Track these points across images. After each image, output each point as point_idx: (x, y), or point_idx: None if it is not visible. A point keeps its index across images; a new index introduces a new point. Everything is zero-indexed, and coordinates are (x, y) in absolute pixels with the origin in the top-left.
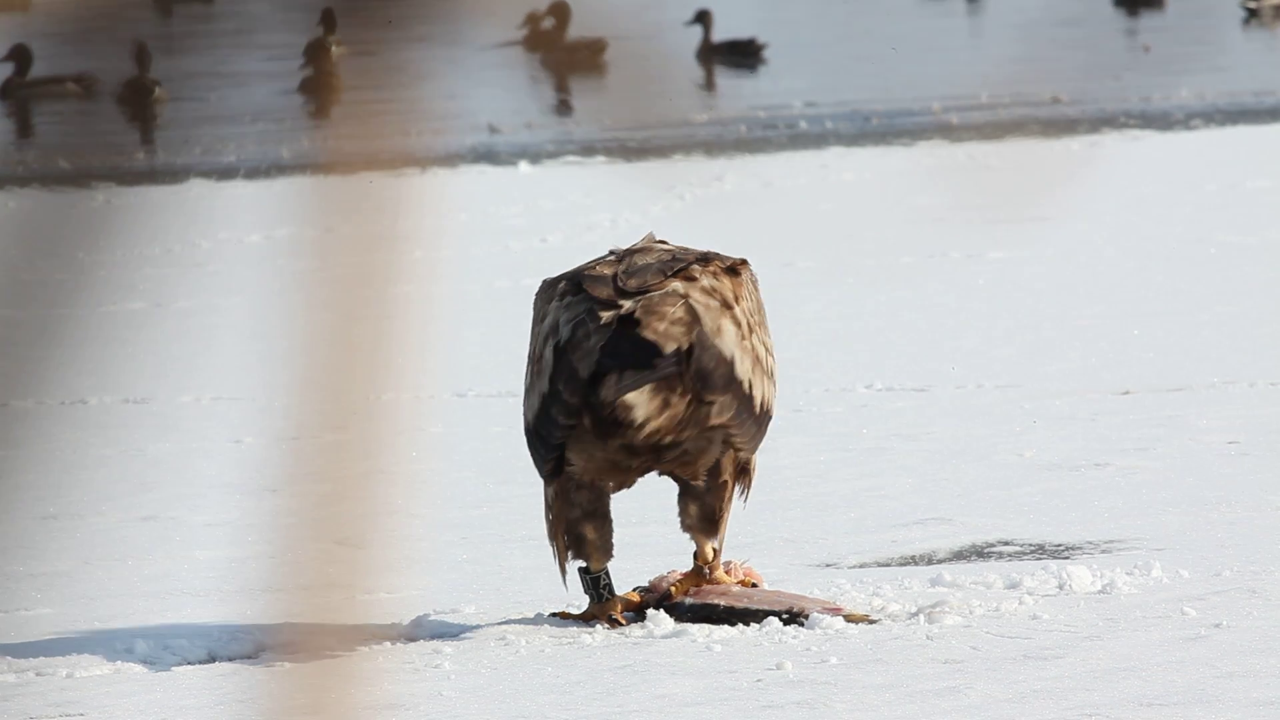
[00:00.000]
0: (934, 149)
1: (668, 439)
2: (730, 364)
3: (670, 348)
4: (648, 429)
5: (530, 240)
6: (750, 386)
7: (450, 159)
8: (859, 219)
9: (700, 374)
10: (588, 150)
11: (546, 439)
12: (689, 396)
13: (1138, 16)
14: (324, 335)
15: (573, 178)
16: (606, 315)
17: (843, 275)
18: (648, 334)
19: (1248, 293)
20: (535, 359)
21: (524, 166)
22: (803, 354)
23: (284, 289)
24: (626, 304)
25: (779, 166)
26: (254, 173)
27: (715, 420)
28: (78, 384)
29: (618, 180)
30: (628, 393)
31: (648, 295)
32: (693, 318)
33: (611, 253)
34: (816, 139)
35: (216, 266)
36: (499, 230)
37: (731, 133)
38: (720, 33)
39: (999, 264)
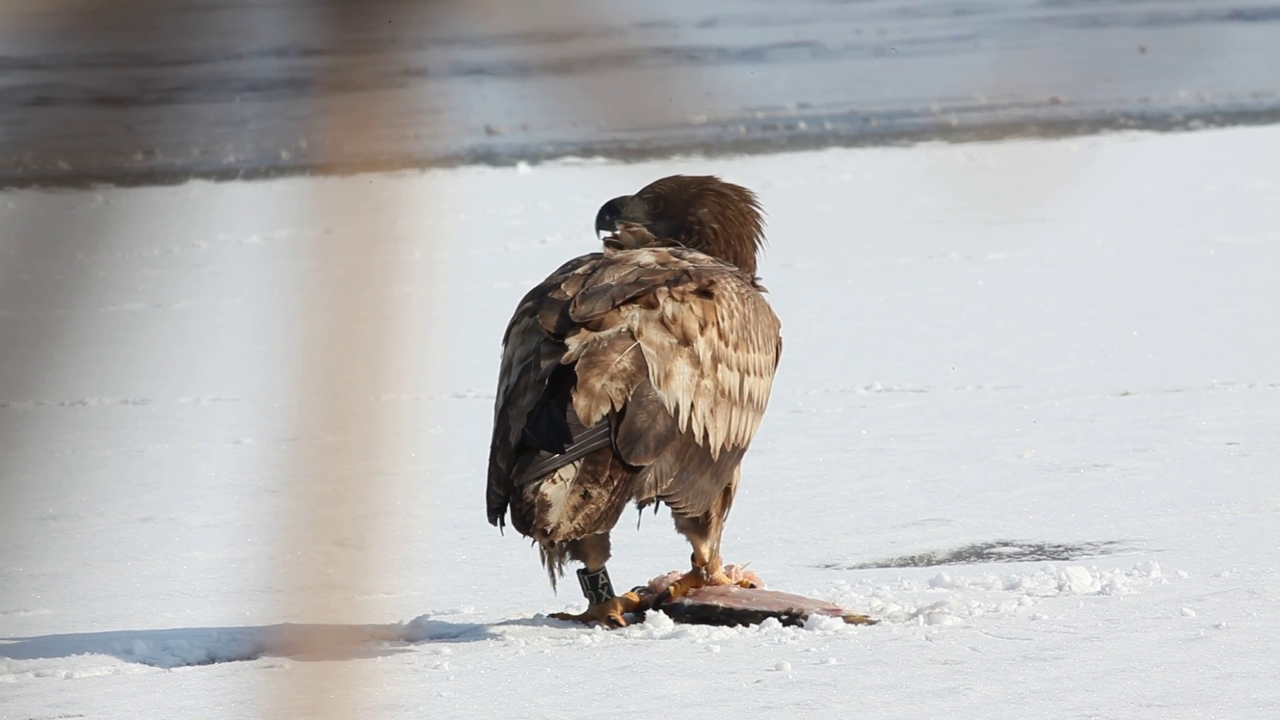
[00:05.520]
0: (933, 150)
1: (583, 536)
2: (672, 416)
3: (599, 414)
4: (563, 531)
5: (530, 241)
6: (705, 433)
7: (449, 160)
8: (858, 220)
9: (629, 437)
10: (587, 151)
11: (488, 498)
12: (614, 473)
13: None
14: (323, 336)
15: (572, 178)
16: (545, 365)
17: (842, 276)
18: (579, 399)
19: (1247, 293)
20: (497, 391)
21: (523, 167)
22: (802, 355)
23: (283, 290)
24: (572, 346)
25: (778, 167)
26: (253, 174)
27: (649, 494)
28: (78, 385)
29: (617, 181)
30: (534, 479)
31: (595, 339)
32: (637, 367)
33: (596, 253)
34: (816, 140)
35: (216, 267)
36: (498, 231)
37: (730, 134)
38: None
39: (998, 265)
